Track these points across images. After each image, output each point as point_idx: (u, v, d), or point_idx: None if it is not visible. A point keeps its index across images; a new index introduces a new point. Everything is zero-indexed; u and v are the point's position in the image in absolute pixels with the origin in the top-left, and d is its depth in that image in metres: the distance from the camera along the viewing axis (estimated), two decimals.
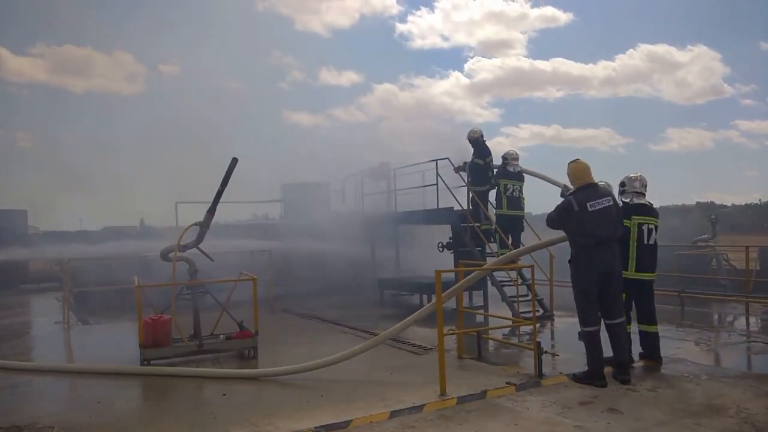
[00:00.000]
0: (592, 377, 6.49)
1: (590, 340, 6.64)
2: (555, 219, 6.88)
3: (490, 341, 8.78)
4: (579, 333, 8.84)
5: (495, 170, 12.33)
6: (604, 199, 6.67)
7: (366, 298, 14.34)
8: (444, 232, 13.12)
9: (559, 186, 11.61)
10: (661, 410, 5.55)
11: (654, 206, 7.55)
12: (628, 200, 7.40)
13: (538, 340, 7.07)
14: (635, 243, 7.22)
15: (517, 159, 12.00)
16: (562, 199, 7.05)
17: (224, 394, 6.56)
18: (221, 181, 8.34)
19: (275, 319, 12.01)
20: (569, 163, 6.98)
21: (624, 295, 7.11)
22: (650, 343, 7.43)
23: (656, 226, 7.39)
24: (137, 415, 6.18)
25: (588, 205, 6.56)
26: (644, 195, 7.45)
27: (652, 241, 7.32)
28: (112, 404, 6.40)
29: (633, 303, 7.45)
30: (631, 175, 7.52)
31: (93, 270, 15.79)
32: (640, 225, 7.24)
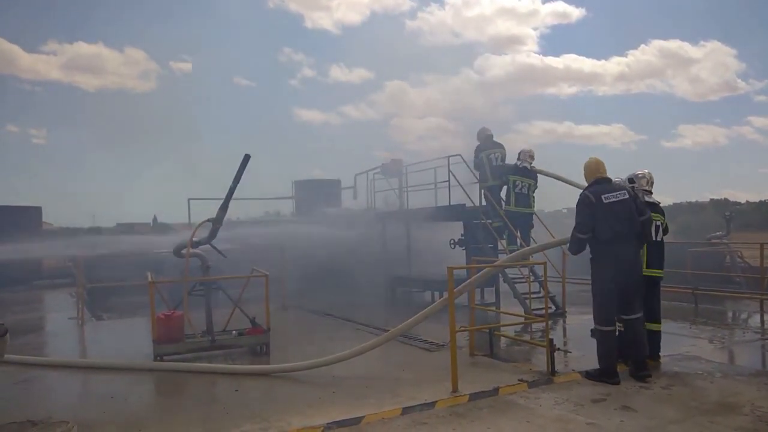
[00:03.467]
0: (605, 375, 6.45)
1: (605, 339, 6.60)
2: (578, 226, 6.66)
3: (501, 338, 8.76)
4: (592, 330, 8.78)
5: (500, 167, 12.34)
6: (618, 192, 6.60)
7: (378, 295, 14.33)
8: (456, 229, 13.11)
9: (575, 185, 11.61)
10: (675, 408, 5.51)
11: (660, 203, 7.53)
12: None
13: (550, 337, 7.04)
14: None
15: (530, 156, 11.98)
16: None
17: (236, 390, 6.57)
18: (234, 177, 8.36)
19: (287, 315, 12.06)
20: (588, 161, 6.95)
21: None
22: (652, 342, 7.36)
23: (662, 222, 7.36)
24: (150, 411, 6.22)
25: (603, 197, 6.51)
26: (651, 193, 7.43)
27: (659, 238, 7.29)
28: (126, 399, 6.45)
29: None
30: (638, 173, 7.50)
31: (106, 266, 15.96)
32: None
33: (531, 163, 11.98)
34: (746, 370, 6.95)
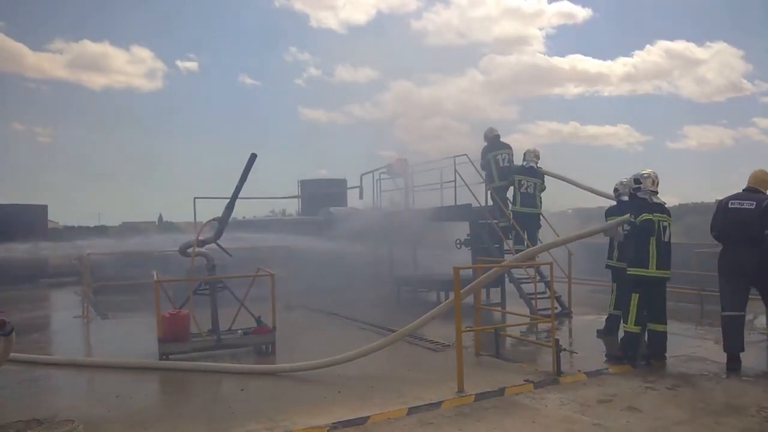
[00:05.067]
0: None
1: (725, 324, 7.13)
2: (712, 227, 7.39)
3: (507, 338, 8.73)
4: (598, 330, 8.76)
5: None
6: (746, 201, 6.98)
7: (383, 295, 14.33)
8: (462, 229, 13.09)
9: (580, 186, 11.66)
10: (681, 409, 5.50)
11: (666, 205, 7.54)
12: (646, 197, 7.38)
13: (556, 337, 7.03)
14: (655, 240, 7.17)
15: (536, 156, 11.95)
16: None
17: (242, 389, 6.59)
18: (240, 176, 8.37)
19: (293, 314, 12.03)
20: None
21: (637, 295, 7.16)
22: (658, 342, 7.37)
23: (669, 224, 7.36)
24: (156, 410, 6.23)
25: (730, 203, 7.10)
26: (657, 193, 7.43)
27: (666, 239, 7.29)
28: (131, 398, 6.44)
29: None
30: (644, 173, 7.50)
31: (112, 265, 16.03)
32: (658, 222, 7.21)
33: (537, 163, 11.94)
34: (752, 371, 6.93)
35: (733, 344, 6.98)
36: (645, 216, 7.18)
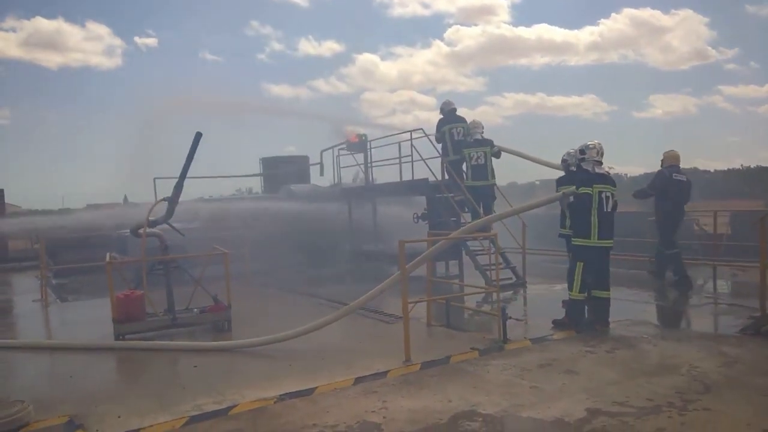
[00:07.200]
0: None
1: (662, 258, 10.43)
2: (651, 187, 10.38)
3: (464, 309, 8.93)
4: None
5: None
6: (681, 176, 10.14)
7: (343, 271, 14.46)
8: (421, 203, 13.24)
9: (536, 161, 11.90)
10: (616, 370, 5.74)
11: (611, 175, 7.74)
12: (589, 168, 7.56)
13: (504, 305, 7.22)
14: (596, 211, 7.36)
15: (478, 127, 12.10)
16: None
17: (195, 366, 6.66)
18: (186, 156, 8.37)
19: (252, 292, 12.08)
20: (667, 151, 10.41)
21: (582, 264, 7.36)
22: (602, 308, 7.61)
23: (613, 194, 7.55)
24: (108, 389, 6.23)
25: (674, 175, 10.07)
26: (602, 163, 7.61)
27: (609, 209, 7.47)
28: (84, 378, 6.48)
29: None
30: (589, 144, 7.67)
31: (72, 247, 15.91)
32: (599, 193, 7.38)
33: (481, 133, 12.09)
34: (691, 334, 7.26)
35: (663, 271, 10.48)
36: (584, 189, 7.38)
